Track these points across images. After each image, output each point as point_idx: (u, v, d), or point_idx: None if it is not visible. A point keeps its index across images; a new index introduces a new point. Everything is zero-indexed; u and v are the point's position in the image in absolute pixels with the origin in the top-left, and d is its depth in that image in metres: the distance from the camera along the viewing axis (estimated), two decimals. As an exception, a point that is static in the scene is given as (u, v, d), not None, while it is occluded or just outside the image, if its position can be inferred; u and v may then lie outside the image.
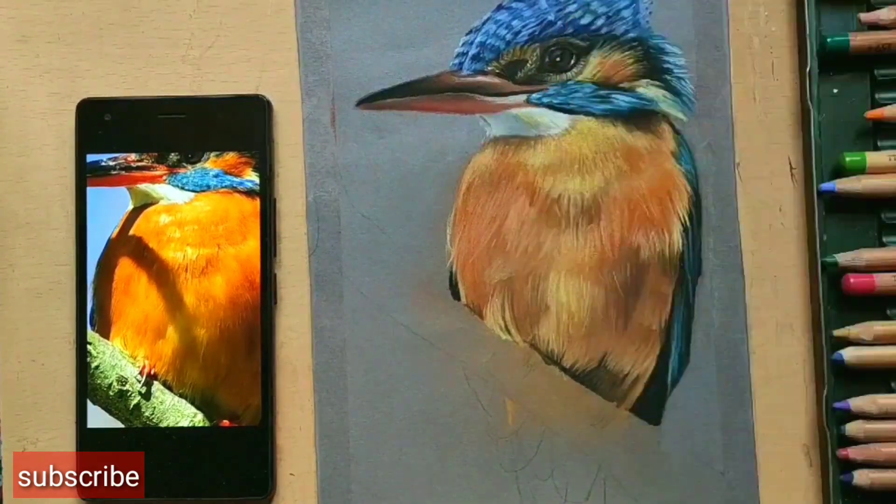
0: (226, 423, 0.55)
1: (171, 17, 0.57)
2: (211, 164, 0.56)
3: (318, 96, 0.57)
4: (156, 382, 0.55)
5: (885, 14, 0.54)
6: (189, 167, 0.56)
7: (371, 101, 0.57)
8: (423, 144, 0.56)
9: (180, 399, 0.55)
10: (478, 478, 0.56)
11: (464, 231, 0.56)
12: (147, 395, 0.55)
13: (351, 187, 0.57)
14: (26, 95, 0.57)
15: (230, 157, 0.56)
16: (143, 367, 0.55)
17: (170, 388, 0.55)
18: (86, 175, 0.56)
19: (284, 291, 0.56)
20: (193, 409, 0.55)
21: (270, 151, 0.56)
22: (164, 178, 0.56)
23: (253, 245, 0.56)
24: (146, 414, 0.55)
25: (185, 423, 0.55)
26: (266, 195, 0.56)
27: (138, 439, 0.55)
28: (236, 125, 0.56)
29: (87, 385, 0.55)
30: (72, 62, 0.57)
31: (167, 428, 0.55)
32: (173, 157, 0.56)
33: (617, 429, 0.55)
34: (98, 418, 0.55)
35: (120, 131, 0.56)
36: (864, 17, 0.55)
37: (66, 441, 0.56)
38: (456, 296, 0.56)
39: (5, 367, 0.56)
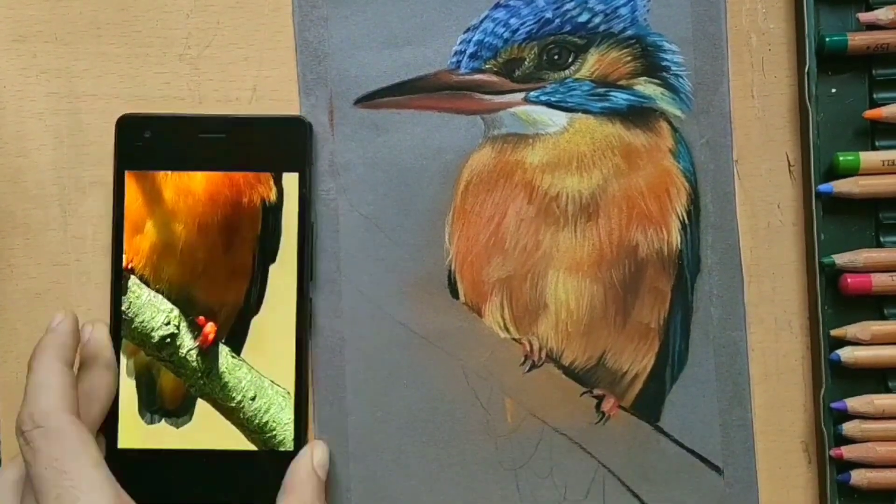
0: (201, 319, 0.55)
1: (169, 17, 0.57)
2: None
3: (315, 95, 0.57)
4: (133, 277, 0.55)
5: (883, 14, 0.54)
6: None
7: (369, 99, 0.57)
8: (421, 143, 0.56)
9: (156, 294, 0.55)
10: (477, 476, 0.56)
11: (462, 229, 0.56)
12: (124, 290, 0.55)
13: (349, 186, 0.57)
14: (23, 95, 0.57)
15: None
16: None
17: (147, 283, 0.55)
18: (123, 191, 0.55)
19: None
20: (169, 305, 0.55)
21: (310, 174, 0.56)
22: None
23: None
24: (122, 308, 0.55)
25: (160, 318, 0.55)
26: (305, 218, 0.55)
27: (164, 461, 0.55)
28: (277, 146, 0.56)
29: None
30: (69, 62, 0.57)
31: (198, 450, 0.55)
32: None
33: (616, 427, 0.56)
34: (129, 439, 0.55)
35: (159, 148, 0.56)
36: (863, 16, 0.54)
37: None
38: (454, 294, 0.56)
39: (4, 367, 0.57)
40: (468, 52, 0.56)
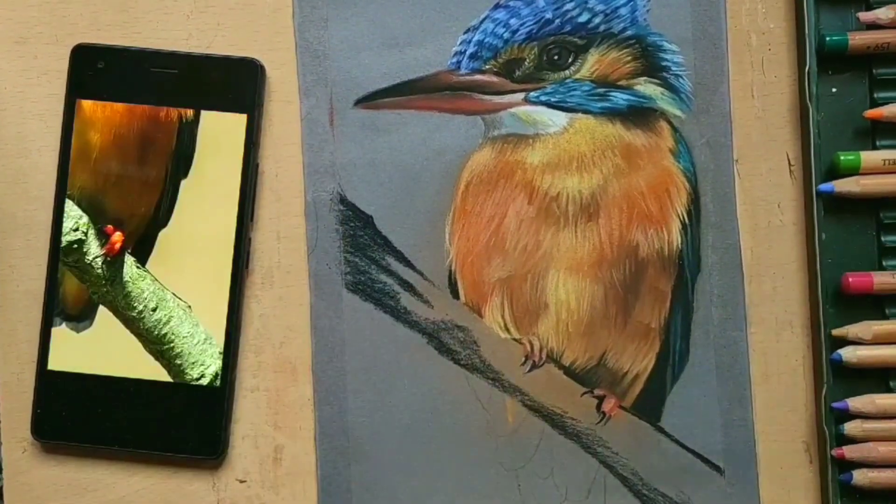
0: (109, 228, 0.56)
1: (169, 18, 0.57)
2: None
3: (316, 96, 0.57)
4: None
5: (883, 13, 0.54)
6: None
7: (369, 100, 0.57)
8: (421, 143, 0.56)
9: (67, 200, 0.56)
10: (478, 477, 0.56)
11: (462, 230, 0.56)
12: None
13: (349, 186, 0.57)
14: (25, 97, 0.57)
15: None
16: None
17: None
18: (73, 119, 0.56)
19: (284, 291, 0.56)
20: (79, 212, 0.56)
21: (259, 116, 0.56)
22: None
23: None
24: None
25: (69, 224, 0.56)
26: (250, 160, 0.56)
27: None
28: (227, 86, 0.56)
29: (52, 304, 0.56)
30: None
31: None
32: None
33: (617, 427, 0.56)
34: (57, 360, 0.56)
35: (111, 79, 0.56)
36: (863, 16, 0.54)
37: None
38: (455, 294, 0.56)
39: (5, 368, 0.57)
40: (468, 53, 0.56)
